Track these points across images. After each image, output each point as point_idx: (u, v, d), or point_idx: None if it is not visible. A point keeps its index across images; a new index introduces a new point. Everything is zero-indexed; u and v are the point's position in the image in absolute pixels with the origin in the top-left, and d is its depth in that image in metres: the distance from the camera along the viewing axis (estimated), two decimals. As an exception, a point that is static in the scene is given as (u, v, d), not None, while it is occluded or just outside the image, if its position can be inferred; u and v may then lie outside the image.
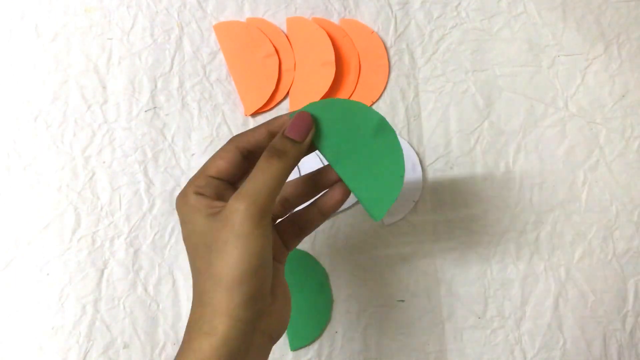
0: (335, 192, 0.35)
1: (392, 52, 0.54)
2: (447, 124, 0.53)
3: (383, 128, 0.34)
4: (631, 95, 0.54)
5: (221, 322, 0.28)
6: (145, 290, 0.48)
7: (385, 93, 0.53)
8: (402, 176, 0.33)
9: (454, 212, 0.51)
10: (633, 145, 0.53)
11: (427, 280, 0.50)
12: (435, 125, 0.52)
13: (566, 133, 0.53)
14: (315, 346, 0.48)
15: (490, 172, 0.52)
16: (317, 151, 0.34)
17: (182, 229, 0.31)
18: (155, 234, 0.49)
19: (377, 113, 0.34)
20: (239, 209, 0.28)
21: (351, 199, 0.49)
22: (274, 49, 0.53)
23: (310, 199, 0.36)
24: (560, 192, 0.52)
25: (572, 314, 0.50)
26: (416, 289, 0.50)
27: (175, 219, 0.49)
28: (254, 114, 0.52)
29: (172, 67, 0.52)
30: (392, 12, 0.54)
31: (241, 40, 0.53)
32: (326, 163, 0.37)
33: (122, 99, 0.51)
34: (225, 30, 0.53)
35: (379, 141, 0.33)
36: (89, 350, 0.47)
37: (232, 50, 0.52)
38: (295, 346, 0.47)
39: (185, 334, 0.29)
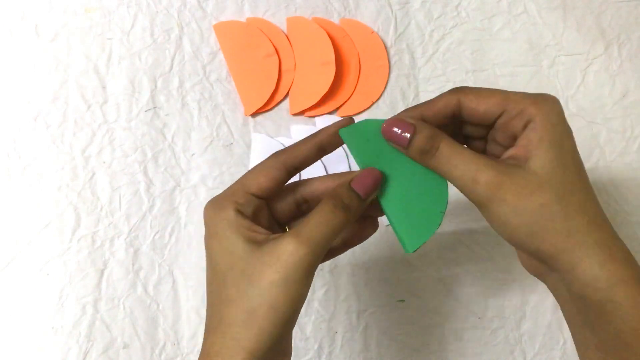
0: (368, 229, 0.33)
1: (392, 52, 0.54)
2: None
3: None
4: (631, 95, 0.54)
5: None
6: (145, 290, 0.48)
7: (385, 93, 0.53)
8: (443, 212, 0.31)
9: (454, 212, 0.51)
10: (633, 145, 0.53)
11: (427, 280, 0.50)
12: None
13: (566, 133, 0.53)
14: (315, 346, 0.48)
15: (490, 172, 0.52)
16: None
17: (210, 243, 0.29)
18: (155, 234, 0.49)
19: None
20: (297, 254, 0.27)
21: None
22: (274, 49, 0.53)
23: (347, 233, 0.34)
24: (560, 192, 0.52)
25: (572, 314, 0.50)
26: (416, 289, 0.50)
27: (175, 218, 0.49)
28: (254, 114, 0.52)
29: (172, 67, 0.52)
30: (392, 12, 0.54)
31: (241, 40, 0.53)
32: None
33: (122, 99, 0.51)
34: (225, 30, 0.53)
35: (425, 172, 0.31)
36: (89, 350, 0.47)
37: (232, 50, 0.52)
38: (415, 247, 0.32)
39: None
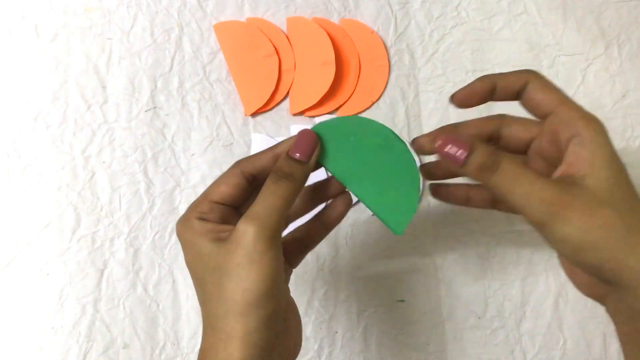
0: (338, 204, 0.34)
1: (392, 52, 0.54)
2: (447, 124, 0.52)
3: (392, 141, 0.32)
4: (631, 95, 0.54)
5: (237, 349, 0.27)
6: (145, 290, 0.48)
7: (385, 93, 0.53)
8: (419, 188, 0.32)
9: (454, 212, 0.51)
10: (633, 145, 0.53)
11: (427, 280, 0.50)
12: (435, 125, 0.52)
13: (566, 133, 0.53)
14: (315, 346, 0.48)
15: (490, 172, 0.52)
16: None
17: (185, 254, 0.30)
18: (155, 234, 0.49)
19: (384, 127, 0.33)
20: (249, 231, 0.28)
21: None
22: (274, 49, 0.53)
23: (310, 211, 0.35)
24: (560, 192, 0.52)
25: (572, 314, 0.50)
26: (416, 289, 0.50)
27: (175, 218, 0.49)
28: (254, 114, 0.52)
29: (172, 67, 0.52)
30: (392, 12, 0.54)
31: (241, 40, 0.53)
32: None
33: (122, 99, 0.51)
34: (225, 30, 0.53)
35: (390, 155, 0.32)
36: (89, 350, 0.47)
37: (232, 50, 0.52)
38: (402, 228, 0.33)
39: None
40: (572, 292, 0.50)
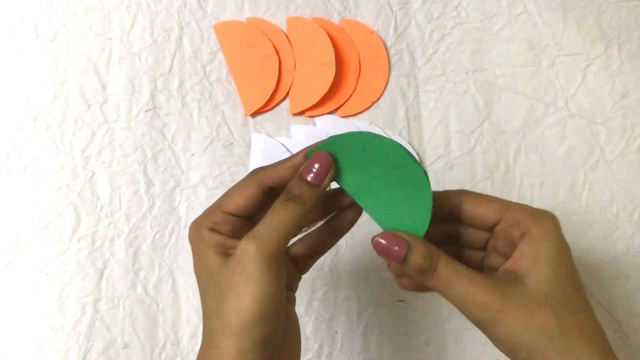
0: (349, 213, 0.33)
1: (392, 52, 0.54)
2: (447, 124, 0.53)
3: (405, 160, 0.31)
4: (631, 95, 0.54)
5: None
6: (145, 290, 0.48)
7: (385, 93, 0.53)
8: (430, 208, 0.31)
9: (454, 212, 0.51)
10: (633, 145, 0.53)
11: (427, 280, 0.50)
12: (435, 125, 0.52)
13: (566, 133, 0.53)
14: (315, 346, 0.48)
15: (490, 172, 0.52)
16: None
17: (194, 261, 0.30)
18: (155, 234, 0.49)
19: (397, 145, 0.31)
20: (249, 251, 0.27)
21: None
22: (274, 48, 0.53)
23: (321, 220, 0.35)
24: (561, 192, 0.52)
25: (572, 314, 0.50)
26: (416, 289, 0.50)
27: (175, 218, 0.49)
28: (254, 114, 0.52)
29: (172, 67, 0.52)
30: (392, 12, 0.54)
31: (241, 40, 0.53)
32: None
33: (122, 99, 0.51)
34: (225, 30, 0.53)
35: (402, 174, 0.31)
36: (89, 350, 0.47)
37: (232, 50, 0.52)
38: None
39: None
40: (572, 292, 0.50)
